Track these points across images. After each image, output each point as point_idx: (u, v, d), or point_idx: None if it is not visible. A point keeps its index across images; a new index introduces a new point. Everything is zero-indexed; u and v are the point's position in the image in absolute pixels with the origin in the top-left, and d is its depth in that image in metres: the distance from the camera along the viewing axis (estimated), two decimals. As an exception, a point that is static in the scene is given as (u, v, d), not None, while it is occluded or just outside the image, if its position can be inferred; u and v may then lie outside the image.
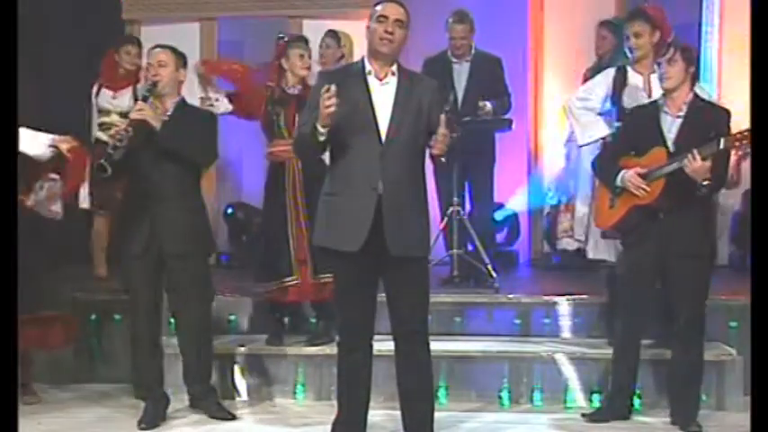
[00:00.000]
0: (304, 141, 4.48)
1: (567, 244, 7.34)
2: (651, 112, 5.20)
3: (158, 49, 5.36)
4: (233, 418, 5.39)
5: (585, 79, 7.18)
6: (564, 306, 6.21)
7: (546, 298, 6.33)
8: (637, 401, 5.58)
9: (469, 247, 6.77)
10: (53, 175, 5.68)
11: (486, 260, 6.51)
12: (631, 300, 5.25)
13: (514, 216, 8.53)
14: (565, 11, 8.38)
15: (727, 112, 5.14)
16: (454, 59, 6.98)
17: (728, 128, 5.01)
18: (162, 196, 5.19)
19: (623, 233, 5.32)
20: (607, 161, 5.33)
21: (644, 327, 5.31)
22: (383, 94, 4.44)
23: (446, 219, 6.65)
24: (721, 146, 4.86)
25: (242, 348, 5.94)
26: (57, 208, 5.69)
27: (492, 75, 6.95)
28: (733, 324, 5.94)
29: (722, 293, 6.17)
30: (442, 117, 4.32)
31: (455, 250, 6.63)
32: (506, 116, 6.90)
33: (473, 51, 7.00)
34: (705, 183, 4.90)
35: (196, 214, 5.37)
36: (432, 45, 7.17)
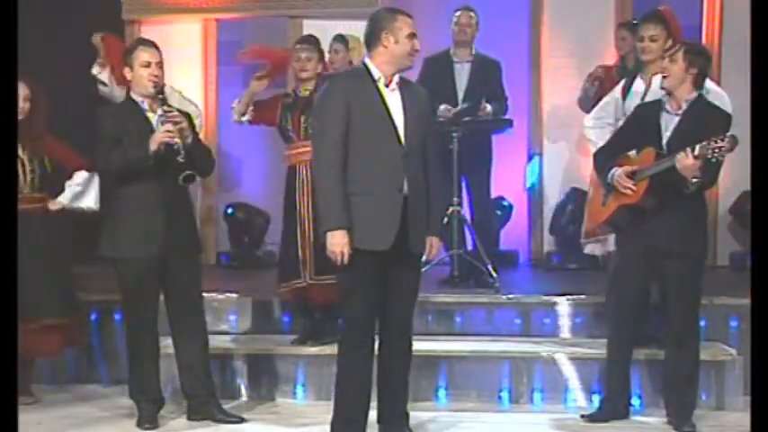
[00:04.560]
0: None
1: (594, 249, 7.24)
2: (654, 109, 5.21)
3: (147, 47, 5.21)
4: (240, 420, 5.35)
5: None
6: (564, 306, 6.20)
7: (546, 298, 6.32)
8: (636, 402, 5.59)
9: (469, 247, 6.78)
10: (82, 172, 5.72)
11: (486, 260, 6.52)
12: (621, 300, 5.27)
13: (509, 207, 8.51)
14: (565, 12, 8.38)
15: (728, 116, 5.13)
16: (455, 59, 7.00)
17: (726, 132, 4.95)
18: (172, 197, 5.13)
19: (611, 231, 5.34)
20: (606, 157, 5.32)
21: (635, 327, 5.30)
22: (393, 100, 4.70)
23: (446, 219, 6.64)
24: (717, 147, 4.79)
25: (242, 348, 5.95)
26: (87, 203, 5.76)
27: (491, 77, 6.97)
28: (733, 324, 5.94)
29: (722, 293, 6.18)
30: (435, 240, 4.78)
31: (455, 250, 6.63)
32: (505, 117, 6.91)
33: (474, 52, 7.02)
34: (694, 180, 4.90)
35: (193, 215, 5.39)
36: (431, 45, 7.18)
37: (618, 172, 5.14)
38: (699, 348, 5.22)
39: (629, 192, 5.10)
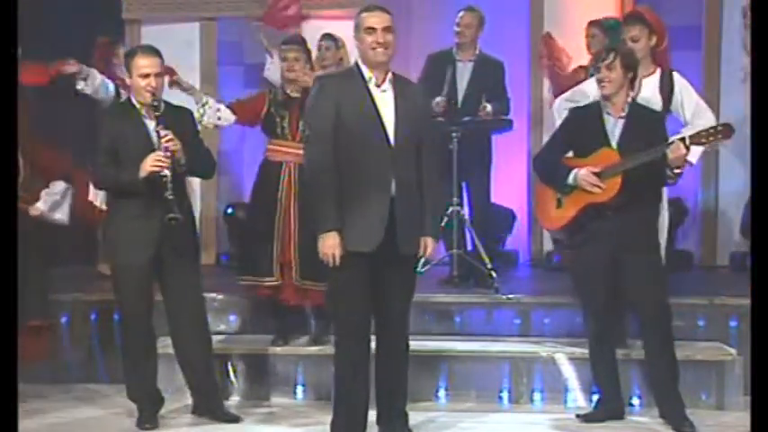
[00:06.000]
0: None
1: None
2: (594, 112, 5.28)
3: (147, 56, 5.13)
4: (237, 420, 5.36)
5: (575, 75, 7.20)
6: (564, 306, 6.20)
7: (546, 298, 6.33)
8: (636, 402, 5.59)
9: (469, 247, 6.77)
10: (60, 182, 5.71)
11: (486, 260, 6.51)
12: (591, 301, 5.27)
13: (509, 214, 8.48)
14: (565, 13, 8.37)
15: (662, 115, 5.30)
16: (458, 57, 6.98)
17: (665, 130, 5.20)
18: (168, 198, 5.07)
19: (571, 233, 5.33)
20: (551, 161, 5.35)
21: (611, 326, 5.30)
22: (383, 100, 4.64)
23: (446, 219, 6.63)
24: (713, 135, 5.02)
25: (242, 348, 5.95)
26: (62, 215, 5.73)
27: (493, 77, 6.96)
28: (733, 324, 5.94)
29: (722, 293, 6.18)
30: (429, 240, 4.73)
31: (455, 250, 6.63)
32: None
33: (477, 52, 7.01)
34: (677, 171, 4.99)
35: (190, 213, 5.33)
36: (434, 45, 7.18)
37: (582, 172, 5.14)
38: (674, 345, 5.22)
39: (597, 190, 5.10)
